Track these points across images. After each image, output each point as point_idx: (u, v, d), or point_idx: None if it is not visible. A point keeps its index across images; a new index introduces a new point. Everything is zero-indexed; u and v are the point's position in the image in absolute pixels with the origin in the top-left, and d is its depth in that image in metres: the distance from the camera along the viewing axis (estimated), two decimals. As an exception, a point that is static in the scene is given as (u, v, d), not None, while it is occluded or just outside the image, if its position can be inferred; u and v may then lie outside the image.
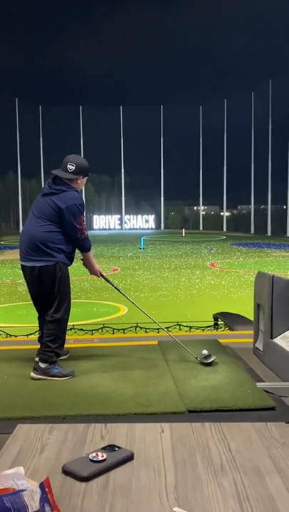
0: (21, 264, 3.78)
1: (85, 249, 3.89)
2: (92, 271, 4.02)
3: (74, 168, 3.78)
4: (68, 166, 3.78)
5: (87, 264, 3.99)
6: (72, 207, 3.68)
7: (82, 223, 3.73)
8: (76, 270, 4.66)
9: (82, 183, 3.88)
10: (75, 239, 3.76)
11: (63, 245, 3.72)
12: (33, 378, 3.53)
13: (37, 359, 3.67)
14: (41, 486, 1.06)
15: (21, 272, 3.82)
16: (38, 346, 3.81)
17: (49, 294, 3.70)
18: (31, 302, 3.93)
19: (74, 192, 3.78)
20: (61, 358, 3.81)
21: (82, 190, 4.09)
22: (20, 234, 3.88)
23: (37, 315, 3.96)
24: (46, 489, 1.06)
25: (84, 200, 4.32)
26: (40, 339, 3.87)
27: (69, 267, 3.84)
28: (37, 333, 4.73)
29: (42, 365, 3.57)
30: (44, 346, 3.66)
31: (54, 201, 3.69)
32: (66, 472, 1.26)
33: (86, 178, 3.92)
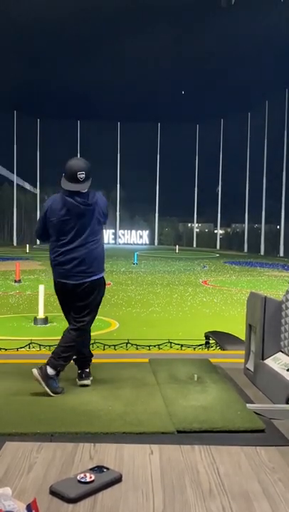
0: None
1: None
2: None
3: (84, 175, 3.51)
4: (78, 175, 3.49)
5: None
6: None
7: (38, 222, 3.75)
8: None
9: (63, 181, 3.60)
10: None
11: (50, 252, 3.72)
12: (33, 374, 3.42)
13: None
14: (28, 508, 1.05)
15: None
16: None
17: None
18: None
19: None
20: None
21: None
22: None
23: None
24: (33, 511, 1.05)
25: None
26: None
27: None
28: (26, 347, 4.71)
29: (50, 370, 3.44)
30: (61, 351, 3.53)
31: None
32: (53, 493, 1.25)
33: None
